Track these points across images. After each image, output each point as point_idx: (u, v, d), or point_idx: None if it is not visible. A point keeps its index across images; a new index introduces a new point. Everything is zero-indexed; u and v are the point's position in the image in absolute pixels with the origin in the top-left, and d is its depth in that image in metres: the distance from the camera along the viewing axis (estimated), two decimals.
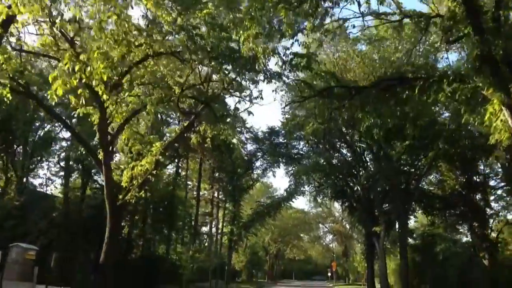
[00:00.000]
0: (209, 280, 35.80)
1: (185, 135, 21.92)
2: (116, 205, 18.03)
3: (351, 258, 70.89)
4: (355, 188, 37.36)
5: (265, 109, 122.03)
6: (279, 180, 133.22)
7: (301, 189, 43.29)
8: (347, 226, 77.09)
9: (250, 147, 45.72)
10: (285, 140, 41.99)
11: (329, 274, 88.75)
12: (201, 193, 59.09)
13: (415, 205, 35.06)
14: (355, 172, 36.52)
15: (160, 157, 18.62)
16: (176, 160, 41.29)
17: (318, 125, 29.53)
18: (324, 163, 31.89)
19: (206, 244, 63.65)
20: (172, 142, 20.32)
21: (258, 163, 45.67)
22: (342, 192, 40.27)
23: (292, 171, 37.97)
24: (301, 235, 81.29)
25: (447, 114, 29.84)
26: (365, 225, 38.51)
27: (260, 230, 60.36)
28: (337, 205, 79.26)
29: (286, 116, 30.62)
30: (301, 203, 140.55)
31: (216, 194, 60.83)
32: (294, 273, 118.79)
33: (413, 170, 30.80)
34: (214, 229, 65.91)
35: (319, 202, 42.96)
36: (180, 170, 51.54)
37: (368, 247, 38.97)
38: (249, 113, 15.95)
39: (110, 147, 18.60)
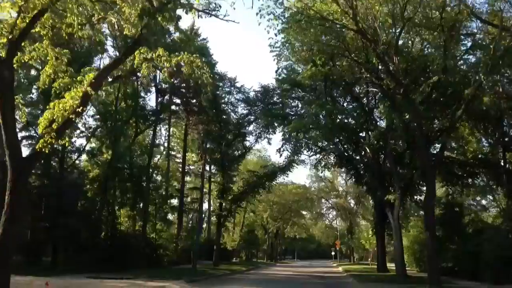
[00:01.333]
0: (191, 261, 30.38)
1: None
2: (21, 159, 12.33)
3: (356, 236, 65.66)
4: (363, 152, 31.61)
5: (258, 67, 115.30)
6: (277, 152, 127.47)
7: (299, 156, 37.75)
8: (352, 202, 71.83)
9: (241, 110, 39.90)
10: (280, 99, 36.19)
11: (333, 253, 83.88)
12: (191, 167, 53.72)
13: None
14: (363, 133, 30.92)
15: (89, 89, 12.77)
16: (154, 125, 35.45)
17: (317, 70, 23.81)
18: (326, 117, 25.97)
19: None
20: (109, 68, 14.46)
21: (250, 128, 39.90)
22: (347, 158, 34.62)
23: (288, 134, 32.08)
24: (303, 212, 76.12)
25: (473, 60, 24.06)
26: (374, 194, 32.94)
27: (254, 204, 55.15)
28: (340, 179, 73.98)
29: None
30: (301, 177, 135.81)
31: (208, 168, 55.35)
32: (297, 253, 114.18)
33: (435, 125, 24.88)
34: (207, 206, 60.88)
35: (320, 171, 37.31)
36: (163, 140, 46.01)
37: (378, 221, 33.45)
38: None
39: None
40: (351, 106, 31.28)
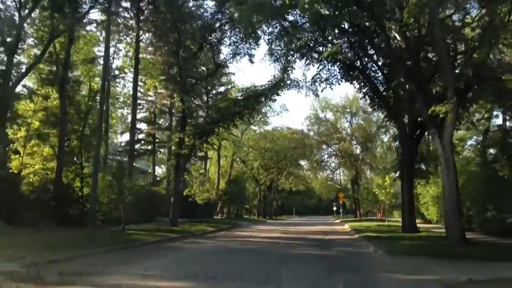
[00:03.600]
0: (121, 220, 20.08)
1: None
2: None
3: (363, 186, 55.34)
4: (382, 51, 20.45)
5: None
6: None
7: (291, 71, 26.94)
8: (358, 149, 61.14)
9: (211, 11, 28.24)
10: None
11: (334, 208, 74.05)
12: (154, 99, 42.92)
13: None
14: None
15: None
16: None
17: None
18: None
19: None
20: None
21: (227, 42, 28.41)
22: (360, 68, 23.73)
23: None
24: (301, 162, 65.60)
25: None
26: (399, 117, 22.17)
27: (236, 144, 44.81)
28: (344, 121, 62.82)
29: None
30: (298, 124, 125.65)
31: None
32: (295, 208, 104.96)
33: None
34: None
35: (320, 89, 25.88)
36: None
37: (406, 157, 22.61)
38: None
39: None
40: None
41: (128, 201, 26.43)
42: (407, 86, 19.23)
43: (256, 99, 27.41)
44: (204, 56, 29.46)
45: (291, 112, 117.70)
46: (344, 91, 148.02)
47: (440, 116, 15.21)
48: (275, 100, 28.39)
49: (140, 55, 35.25)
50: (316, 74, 24.55)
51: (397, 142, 25.11)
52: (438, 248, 13.25)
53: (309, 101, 78.34)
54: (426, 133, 21.75)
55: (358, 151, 60.50)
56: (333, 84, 24.72)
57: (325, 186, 78.54)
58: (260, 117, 62.21)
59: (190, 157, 26.81)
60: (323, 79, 24.54)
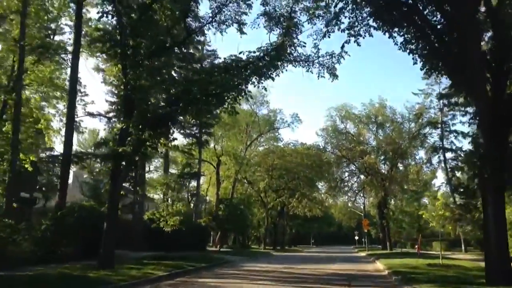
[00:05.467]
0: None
1: None
2: None
3: (396, 209, 44.75)
4: None
5: None
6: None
7: (296, 33, 18.31)
8: (386, 166, 50.69)
9: None
10: None
11: (356, 237, 63.28)
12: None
13: None
14: None
15: None
16: None
17: None
18: None
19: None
20: None
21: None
22: (406, 9, 14.42)
23: None
24: (318, 184, 55.55)
25: None
26: (477, 74, 12.48)
27: (237, 160, 35.52)
28: (368, 135, 52.59)
29: None
30: (312, 139, 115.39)
31: None
32: (313, 237, 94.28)
33: None
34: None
35: (342, 52, 16.42)
36: None
37: (493, 149, 12.63)
38: None
39: None
40: None
41: (45, 228, 17.33)
42: None
43: (241, 72, 17.95)
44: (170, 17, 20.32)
45: (304, 127, 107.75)
46: (368, 96, 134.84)
47: None
48: (273, 78, 18.78)
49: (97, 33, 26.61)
50: (333, 19, 15.13)
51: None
52: None
53: (325, 112, 69.11)
54: None
55: (386, 168, 50.03)
56: (361, 36, 15.21)
57: (345, 212, 68.07)
58: (267, 128, 53.27)
59: (134, 159, 17.22)
60: (344, 28, 15.09)
